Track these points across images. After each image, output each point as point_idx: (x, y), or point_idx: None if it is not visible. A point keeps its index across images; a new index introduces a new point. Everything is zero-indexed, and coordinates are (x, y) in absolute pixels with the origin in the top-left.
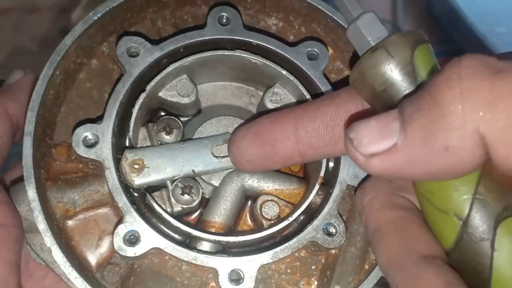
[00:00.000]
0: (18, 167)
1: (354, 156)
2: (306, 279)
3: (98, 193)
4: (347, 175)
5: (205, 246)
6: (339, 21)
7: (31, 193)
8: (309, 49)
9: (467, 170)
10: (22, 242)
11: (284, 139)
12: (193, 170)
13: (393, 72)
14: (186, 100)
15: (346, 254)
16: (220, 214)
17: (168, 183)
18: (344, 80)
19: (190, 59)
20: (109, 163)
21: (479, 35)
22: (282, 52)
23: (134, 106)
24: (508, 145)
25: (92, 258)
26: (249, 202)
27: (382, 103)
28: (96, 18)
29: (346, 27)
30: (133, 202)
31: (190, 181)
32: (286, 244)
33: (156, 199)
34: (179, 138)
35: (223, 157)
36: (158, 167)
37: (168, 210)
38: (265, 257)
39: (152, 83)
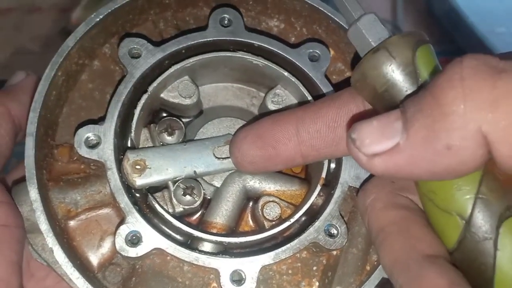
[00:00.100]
0: (20, 167)
1: (357, 156)
2: (308, 280)
3: (100, 193)
4: (349, 176)
5: (207, 246)
6: (341, 22)
7: (33, 193)
8: (311, 50)
9: (469, 169)
10: (24, 242)
11: (286, 141)
12: (194, 171)
13: (395, 73)
14: (188, 101)
15: (347, 255)
16: (221, 215)
17: (170, 184)
18: (345, 81)
19: (192, 60)
20: (111, 163)
21: (479, 35)
22: (283, 54)
23: (136, 107)
24: (510, 144)
25: (94, 259)
26: (251, 203)
27: (384, 103)
28: (98, 19)
29: (347, 28)
30: (135, 202)
31: (191, 182)
32: (288, 245)
33: (157, 199)
34: (181, 139)
35: (225, 158)
36: (159, 167)
37: (170, 210)
38: (267, 258)
39: (154, 84)
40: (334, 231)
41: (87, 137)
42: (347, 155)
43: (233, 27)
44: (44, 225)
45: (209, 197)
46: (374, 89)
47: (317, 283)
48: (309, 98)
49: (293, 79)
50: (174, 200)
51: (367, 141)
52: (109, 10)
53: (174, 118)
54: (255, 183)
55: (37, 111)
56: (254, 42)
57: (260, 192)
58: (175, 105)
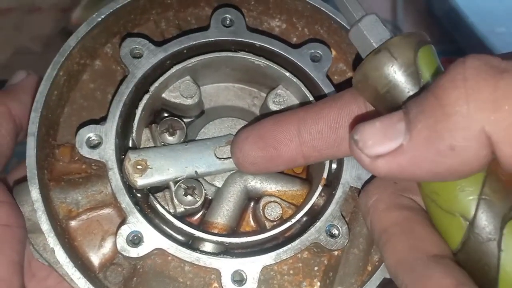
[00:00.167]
0: (21, 167)
1: (359, 157)
2: (309, 280)
3: (101, 193)
4: (350, 177)
5: (208, 247)
6: (342, 23)
7: (35, 193)
8: (312, 51)
9: (473, 170)
10: (25, 242)
11: (287, 141)
12: (196, 171)
13: (396, 74)
14: (189, 101)
15: (348, 255)
16: (223, 215)
17: (171, 184)
18: (347, 82)
19: (193, 60)
20: (112, 164)
21: (479, 35)
22: (285, 54)
23: (137, 107)
24: None
25: (95, 259)
26: (252, 203)
27: (385, 104)
28: (99, 19)
29: (348, 29)
30: (136, 203)
31: (193, 182)
32: (289, 246)
33: (159, 200)
34: (182, 139)
35: (226, 158)
36: (161, 168)
37: (171, 211)
38: (268, 258)
39: (156, 84)
40: (335, 231)
41: (89, 137)
42: (348, 156)
43: (235, 27)
44: (45, 225)
45: (210, 197)
46: (375, 90)
47: (318, 284)
48: (311, 98)
49: (295, 79)
50: (175, 200)
51: (370, 142)
52: (111, 10)
53: (175, 118)
54: (256, 184)
55: (39, 111)
56: (256, 42)
57: (261, 192)
58: (177, 105)
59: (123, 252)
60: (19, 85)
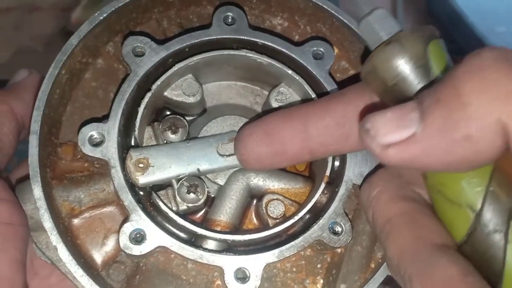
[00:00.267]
0: (23, 165)
1: (370, 146)
2: (312, 278)
3: (103, 191)
4: (353, 174)
5: (211, 244)
6: (345, 20)
7: (37, 191)
8: (315, 48)
9: (485, 160)
10: (27, 240)
11: (294, 137)
12: (198, 169)
13: (406, 66)
14: (191, 100)
15: (352, 253)
16: (225, 213)
17: (174, 181)
18: (349, 80)
19: (195, 58)
20: (115, 162)
21: (479, 35)
22: (287, 52)
23: (139, 105)
24: None
25: (98, 257)
26: (255, 201)
27: (393, 97)
28: (101, 18)
29: (358, 22)
30: (138, 200)
31: (195, 180)
32: (292, 243)
33: (161, 197)
34: (184, 137)
35: (229, 155)
36: (163, 166)
37: (174, 208)
38: (271, 256)
39: (158, 82)
40: (338, 228)
41: (91, 135)
42: (354, 151)
43: (237, 25)
44: (48, 223)
45: (213, 195)
46: (384, 82)
47: (321, 281)
48: (313, 96)
49: (297, 77)
50: (178, 198)
51: (382, 131)
52: (113, 9)
53: (177, 116)
54: (259, 181)
55: (41, 109)
56: (258, 40)
57: (264, 190)
58: (179, 103)
59: (126, 250)
60: (21, 83)
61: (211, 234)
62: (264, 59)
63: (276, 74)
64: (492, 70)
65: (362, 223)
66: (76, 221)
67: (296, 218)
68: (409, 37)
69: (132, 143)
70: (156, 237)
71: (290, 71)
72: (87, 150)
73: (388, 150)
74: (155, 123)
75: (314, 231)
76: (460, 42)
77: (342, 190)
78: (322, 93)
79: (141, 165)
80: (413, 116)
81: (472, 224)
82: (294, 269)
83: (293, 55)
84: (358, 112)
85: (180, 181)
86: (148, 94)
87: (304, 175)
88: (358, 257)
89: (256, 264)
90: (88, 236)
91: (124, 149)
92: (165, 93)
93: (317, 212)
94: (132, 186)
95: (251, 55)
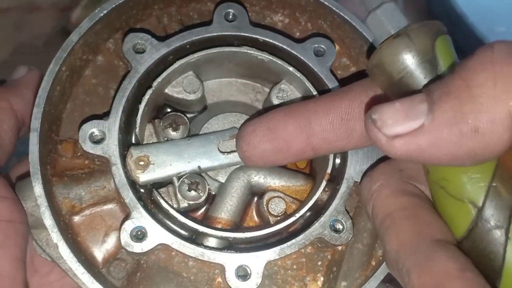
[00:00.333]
0: (23, 163)
1: (376, 137)
2: (312, 275)
3: (104, 189)
4: (354, 171)
5: (212, 242)
6: (346, 17)
7: (38, 189)
8: (316, 45)
9: (492, 154)
10: (28, 238)
11: (298, 133)
12: (199, 166)
13: (413, 60)
14: (192, 97)
15: (352, 250)
16: (226, 211)
17: (175, 179)
18: (350, 77)
19: (196, 55)
20: (115, 159)
21: (479, 35)
22: (288, 49)
23: (140, 102)
24: None
25: (98, 254)
26: (255, 199)
27: (399, 92)
28: (102, 14)
29: (366, 15)
30: (139, 198)
31: (196, 177)
32: (293, 241)
33: (162, 195)
34: (185, 135)
35: (230, 152)
36: (163, 163)
37: (175, 206)
38: (272, 253)
39: (159, 79)
40: (339, 226)
41: (92, 133)
42: (358, 148)
43: (238, 22)
44: (49, 220)
45: (213, 193)
46: (390, 76)
47: (322, 278)
48: (314, 93)
49: (298, 74)
50: (178, 195)
51: (389, 121)
52: (113, 5)
53: (178, 113)
54: (259, 179)
55: (41, 106)
56: (259, 37)
57: (265, 187)
58: (180, 101)
59: (127, 248)
60: (20, 80)
61: (212, 231)
62: (265, 56)
63: (277, 71)
64: (504, 63)
65: (363, 220)
66: (76, 218)
67: (297, 215)
68: (417, 31)
69: (133, 141)
70: (157, 235)
71: (291, 68)
72: (88, 147)
73: (395, 141)
74: (156, 120)
75: (315, 229)
76: (460, 42)
77: (343, 188)
78: (323, 90)
79: (141, 163)
80: (422, 108)
81: (473, 220)
82: (294, 267)
83: (295, 52)
84: (362, 108)
85: (181, 179)
86: (149, 91)
87: (305, 173)
88: (359, 255)
89: (257, 261)
90: (89, 234)
91: (125, 146)
92: (166, 90)
93: (318, 210)
94: (133, 184)
95: (252, 52)
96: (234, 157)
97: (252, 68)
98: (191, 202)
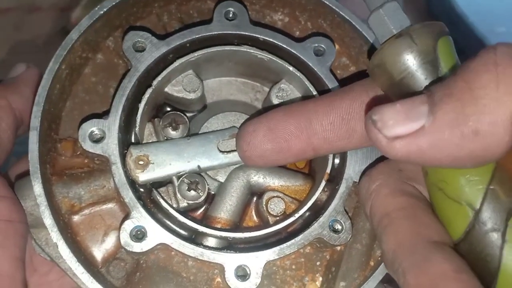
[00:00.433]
0: (22, 162)
1: (376, 138)
2: (311, 275)
3: (104, 188)
4: (353, 172)
5: (211, 242)
6: (346, 16)
7: (37, 188)
8: (316, 44)
9: (493, 156)
10: (27, 237)
11: (298, 133)
12: (198, 166)
13: (415, 61)
14: (192, 96)
15: (351, 250)
16: (226, 210)
17: (174, 178)
18: (350, 77)
19: (196, 54)
20: (115, 158)
21: (479, 35)
22: (288, 48)
23: (140, 101)
24: None
25: (98, 253)
26: (255, 198)
27: (399, 92)
28: (102, 12)
29: (368, 13)
30: (139, 197)
31: (196, 177)
32: (292, 241)
33: (162, 194)
34: (185, 134)
35: (229, 152)
36: (163, 163)
37: (174, 205)
38: (271, 253)
39: (159, 78)
40: (338, 226)
41: (92, 131)
42: (358, 148)
43: (238, 21)
44: (48, 219)
45: (213, 192)
46: (391, 77)
47: (320, 278)
48: (314, 93)
49: (298, 73)
50: (178, 195)
51: (390, 122)
52: (113, 3)
53: (178, 112)
54: (259, 178)
55: (41, 105)
56: (259, 36)
57: (264, 187)
58: (179, 99)
59: (126, 247)
60: (19, 78)
61: (212, 231)
62: (265, 55)
63: (277, 71)
64: (507, 65)
65: (362, 221)
66: (76, 217)
67: (297, 215)
68: (419, 32)
69: (133, 140)
70: (156, 235)
71: (291, 68)
72: (88, 146)
73: (395, 142)
74: (156, 119)
75: (314, 229)
76: (460, 42)
77: (342, 188)
78: (323, 90)
79: (141, 162)
80: (423, 109)
81: (470, 222)
82: (293, 267)
83: (294, 51)
84: (363, 108)
85: (181, 178)
86: (149, 90)
87: (304, 173)
88: (358, 255)
89: (256, 261)
90: (88, 233)
91: (125, 145)
92: (166, 89)
93: (317, 210)
94: (133, 183)
95: (252, 51)
96: (234, 157)
97: (252, 67)
98: (190, 202)
